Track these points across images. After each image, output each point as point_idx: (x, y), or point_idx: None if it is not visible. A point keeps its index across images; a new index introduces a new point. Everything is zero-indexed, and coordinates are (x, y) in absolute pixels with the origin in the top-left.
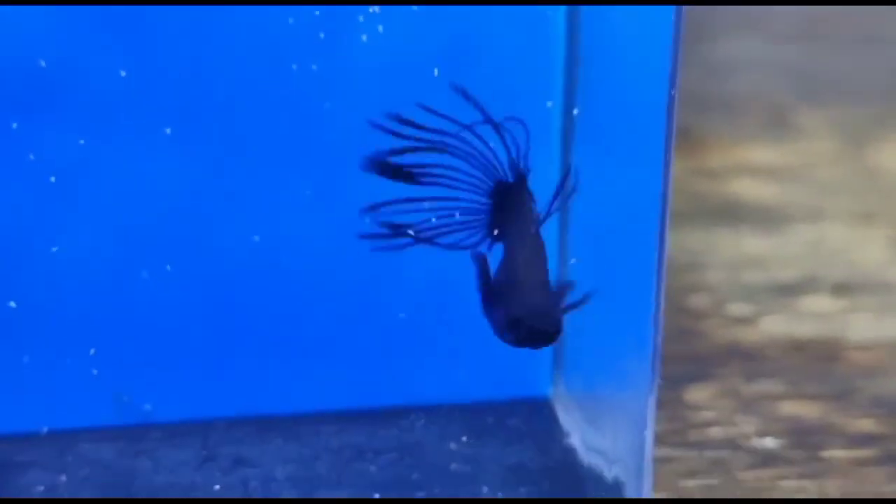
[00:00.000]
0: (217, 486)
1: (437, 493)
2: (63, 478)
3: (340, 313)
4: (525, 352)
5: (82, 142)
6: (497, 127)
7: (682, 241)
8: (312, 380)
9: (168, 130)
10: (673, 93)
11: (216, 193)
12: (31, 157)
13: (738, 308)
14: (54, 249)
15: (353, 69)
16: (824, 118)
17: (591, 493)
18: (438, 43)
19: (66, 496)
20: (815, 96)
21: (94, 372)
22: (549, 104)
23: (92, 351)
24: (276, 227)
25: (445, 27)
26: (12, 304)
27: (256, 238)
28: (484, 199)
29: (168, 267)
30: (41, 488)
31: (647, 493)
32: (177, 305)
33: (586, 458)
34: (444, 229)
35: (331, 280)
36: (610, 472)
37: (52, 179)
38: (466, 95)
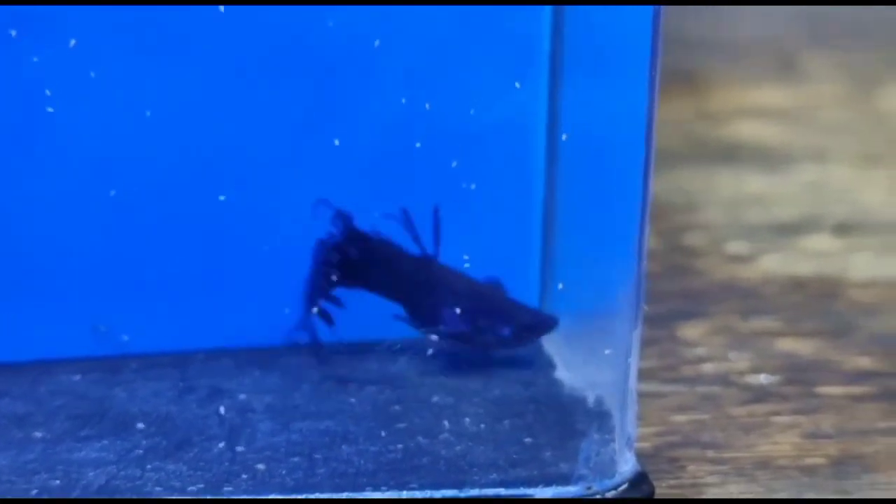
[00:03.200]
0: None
1: (418, 425)
2: (34, 408)
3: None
4: (514, 284)
5: (48, 93)
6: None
7: (680, 182)
8: (292, 313)
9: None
10: (657, 30)
11: (194, 128)
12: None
13: (736, 246)
14: (28, 181)
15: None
16: (831, 62)
17: (576, 426)
18: None
19: (37, 425)
20: (822, 40)
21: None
22: None
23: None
24: (253, 173)
25: None
26: None
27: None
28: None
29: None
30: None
31: (632, 426)
32: (156, 236)
33: (572, 390)
34: None
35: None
36: (596, 405)
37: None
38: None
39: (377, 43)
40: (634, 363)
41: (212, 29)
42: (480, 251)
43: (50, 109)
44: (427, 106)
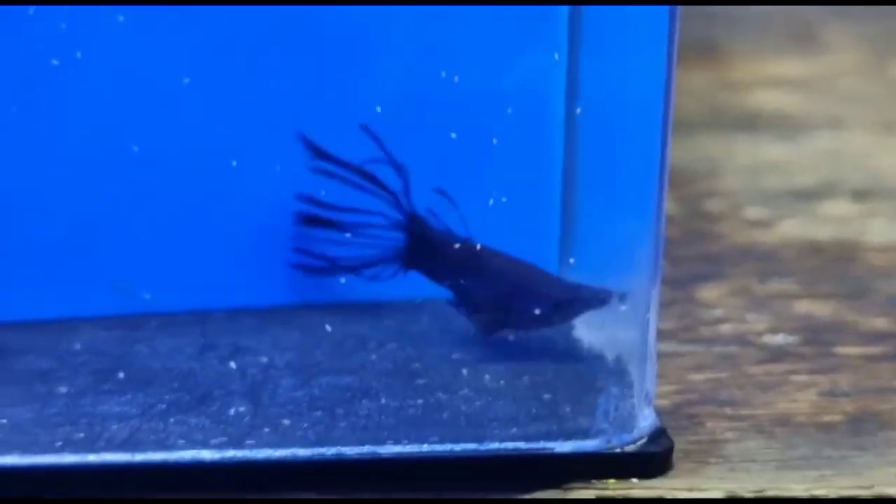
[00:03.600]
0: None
1: (438, 381)
2: (57, 364)
3: None
4: (528, 242)
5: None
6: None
7: (700, 149)
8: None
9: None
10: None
11: (217, 88)
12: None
13: (755, 212)
14: (50, 139)
15: None
16: (849, 32)
17: (596, 382)
18: None
19: (61, 380)
20: (840, 11)
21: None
22: None
23: None
24: (273, 134)
25: None
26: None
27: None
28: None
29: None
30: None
31: (651, 382)
32: (178, 195)
33: (591, 347)
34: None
35: None
36: (615, 362)
37: (55, 62)
38: (374, 136)
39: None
40: (654, 320)
41: None
42: (500, 216)
43: (56, 61)
44: (456, 78)
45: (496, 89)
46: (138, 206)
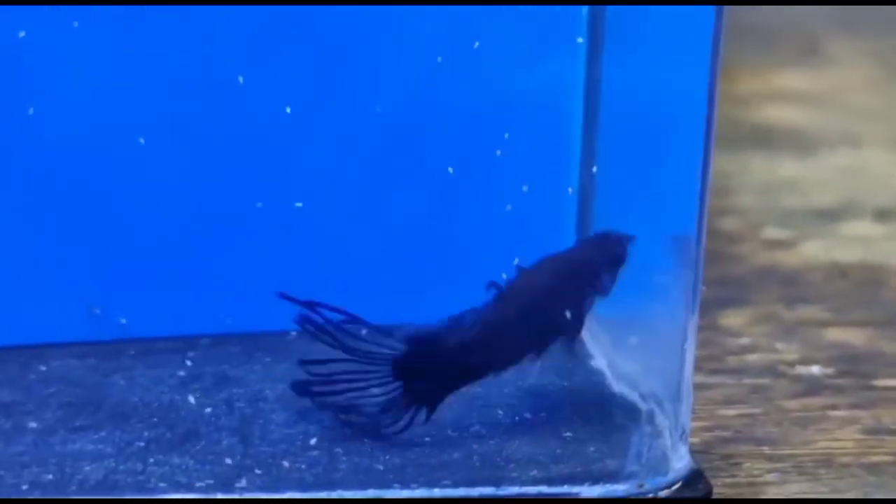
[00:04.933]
0: (192, 400)
1: (446, 416)
2: (23, 396)
3: (339, 224)
4: None
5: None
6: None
7: (713, 166)
8: (306, 296)
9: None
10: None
11: (202, 117)
12: None
13: (774, 232)
14: (24, 159)
15: None
16: (858, 47)
17: (619, 420)
18: None
19: (27, 414)
20: (848, 25)
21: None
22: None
23: None
24: (262, 154)
25: None
26: None
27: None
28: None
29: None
30: None
31: (686, 420)
32: (156, 211)
33: (613, 382)
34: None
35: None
36: (640, 399)
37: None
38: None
39: None
40: (691, 351)
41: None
42: (515, 234)
43: (30, 108)
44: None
45: (515, 95)
46: (113, 223)
